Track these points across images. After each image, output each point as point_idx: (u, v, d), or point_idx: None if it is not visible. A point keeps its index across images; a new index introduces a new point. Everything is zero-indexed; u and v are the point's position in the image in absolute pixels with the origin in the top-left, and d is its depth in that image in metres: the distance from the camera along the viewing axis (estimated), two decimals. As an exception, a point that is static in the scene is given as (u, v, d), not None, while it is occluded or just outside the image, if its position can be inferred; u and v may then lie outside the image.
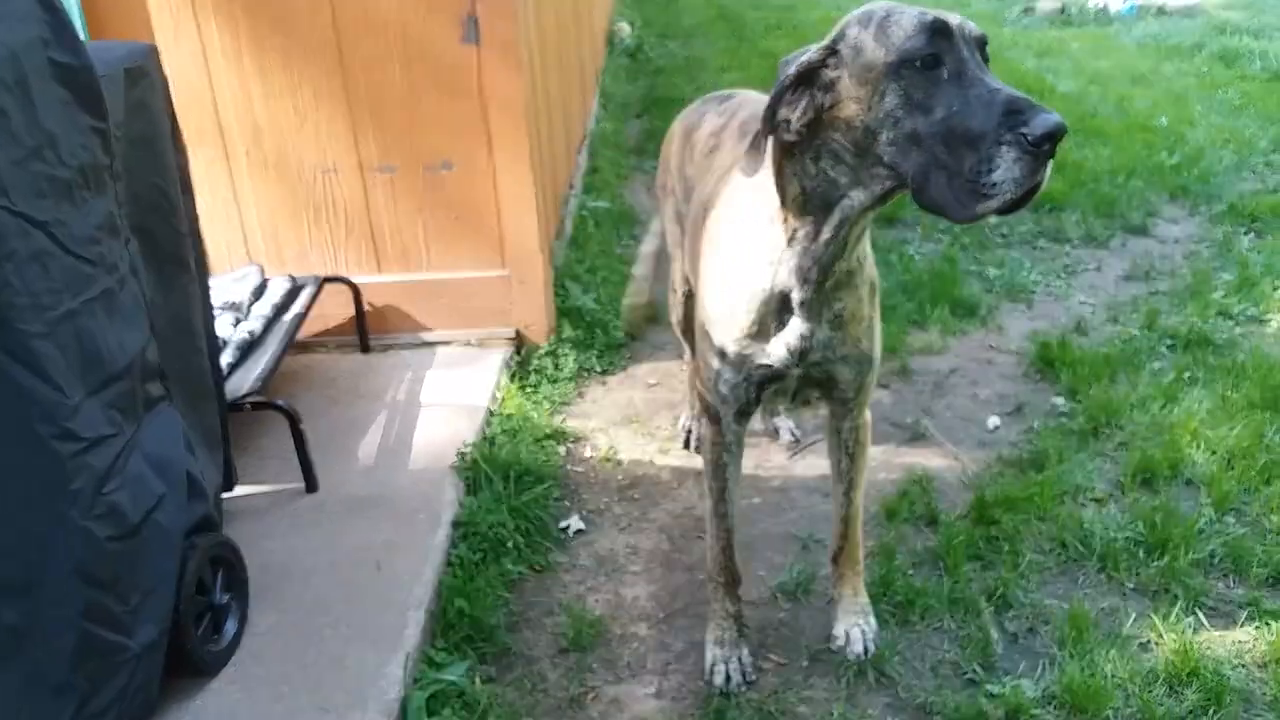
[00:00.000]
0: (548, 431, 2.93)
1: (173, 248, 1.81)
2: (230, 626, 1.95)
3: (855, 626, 2.12)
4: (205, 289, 2.02)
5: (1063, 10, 9.38)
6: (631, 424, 3.04)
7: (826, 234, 1.62)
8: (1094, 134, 5.47)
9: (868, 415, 2.03)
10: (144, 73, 1.74)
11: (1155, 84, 6.72)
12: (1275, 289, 3.61)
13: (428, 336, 3.30)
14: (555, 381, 3.22)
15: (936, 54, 1.40)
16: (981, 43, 1.46)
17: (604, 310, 3.61)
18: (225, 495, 2.25)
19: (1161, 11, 9.18)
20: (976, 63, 1.42)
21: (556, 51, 4.12)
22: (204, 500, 1.78)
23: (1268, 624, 2.10)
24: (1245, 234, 4.21)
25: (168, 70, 2.89)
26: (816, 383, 1.86)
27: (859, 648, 2.10)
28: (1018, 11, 9.69)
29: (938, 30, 1.41)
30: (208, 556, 1.81)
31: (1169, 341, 3.29)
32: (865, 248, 1.78)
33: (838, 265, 1.68)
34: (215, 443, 2.07)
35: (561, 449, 2.91)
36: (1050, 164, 1.38)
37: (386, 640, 2.01)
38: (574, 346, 3.36)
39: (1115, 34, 8.54)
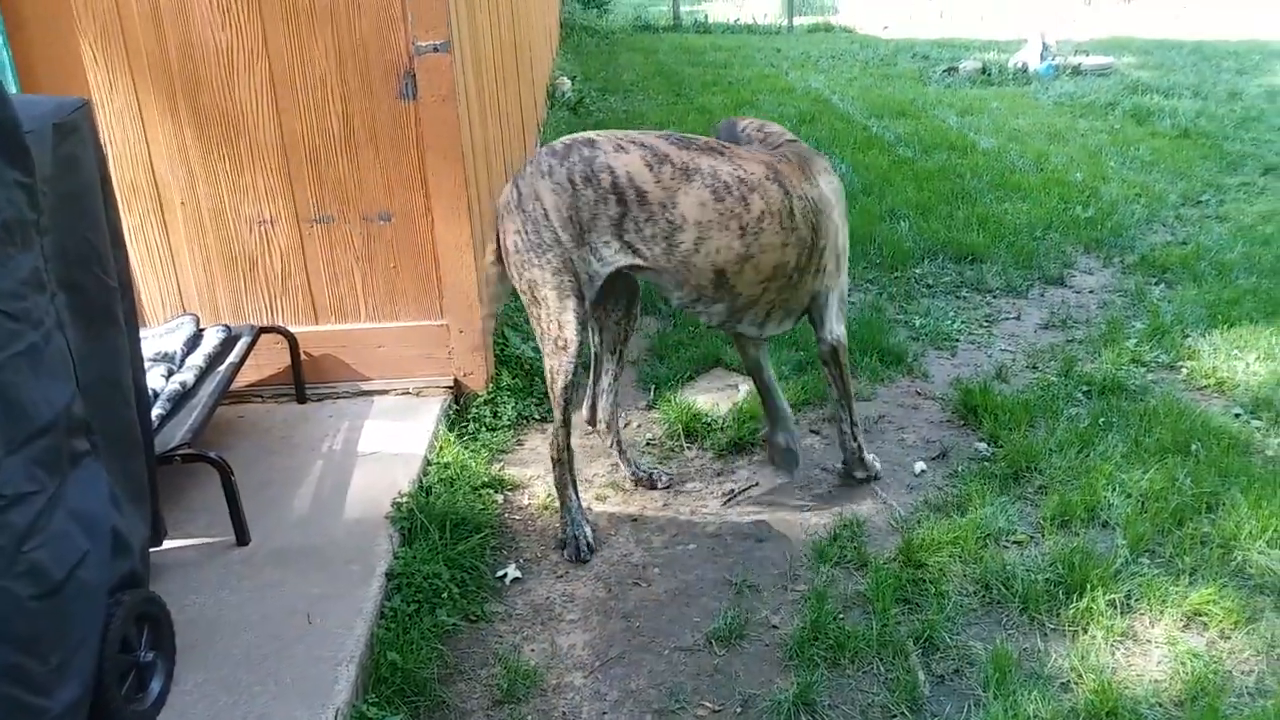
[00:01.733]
0: (485, 480, 2.94)
1: (102, 301, 1.81)
2: (156, 685, 1.91)
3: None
4: (135, 341, 2.01)
5: (984, 70, 9.78)
6: (569, 472, 3.06)
7: None
8: (1013, 189, 5.71)
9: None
10: (74, 127, 1.74)
11: (1071, 141, 7.03)
12: (1185, 337, 3.79)
13: (365, 386, 3.30)
14: (494, 430, 3.24)
15: None
16: None
17: (543, 358, 3.64)
18: (153, 549, 2.21)
19: (1077, 71, 9.62)
20: None
21: (495, 104, 4.19)
22: (129, 556, 1.76)
23: (1183, 663, 2.18)
24: (1156, 284, 4.42)
25: (102, 124, 2.90)
26: None
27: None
28: (941, 71, 10.08)
29: None
30: (133, 613, 1.78)
31: (1085, 388, 3.43)
32: None
33: None
34: (143, 496, 2.04)
35: (499, 497, 2.92)
36: None
37: (317, 695, 1.99)
38: (513, 394, 3.38)
39: (1033, 93, 8.92)
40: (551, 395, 2.65)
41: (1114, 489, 2.79)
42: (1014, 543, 2.63)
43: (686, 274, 2.50)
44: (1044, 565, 2.50)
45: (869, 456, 2.95)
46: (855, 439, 2.90)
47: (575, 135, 2.52)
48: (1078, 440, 3.04)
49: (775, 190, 2.51)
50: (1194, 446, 2.98)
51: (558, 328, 2.51)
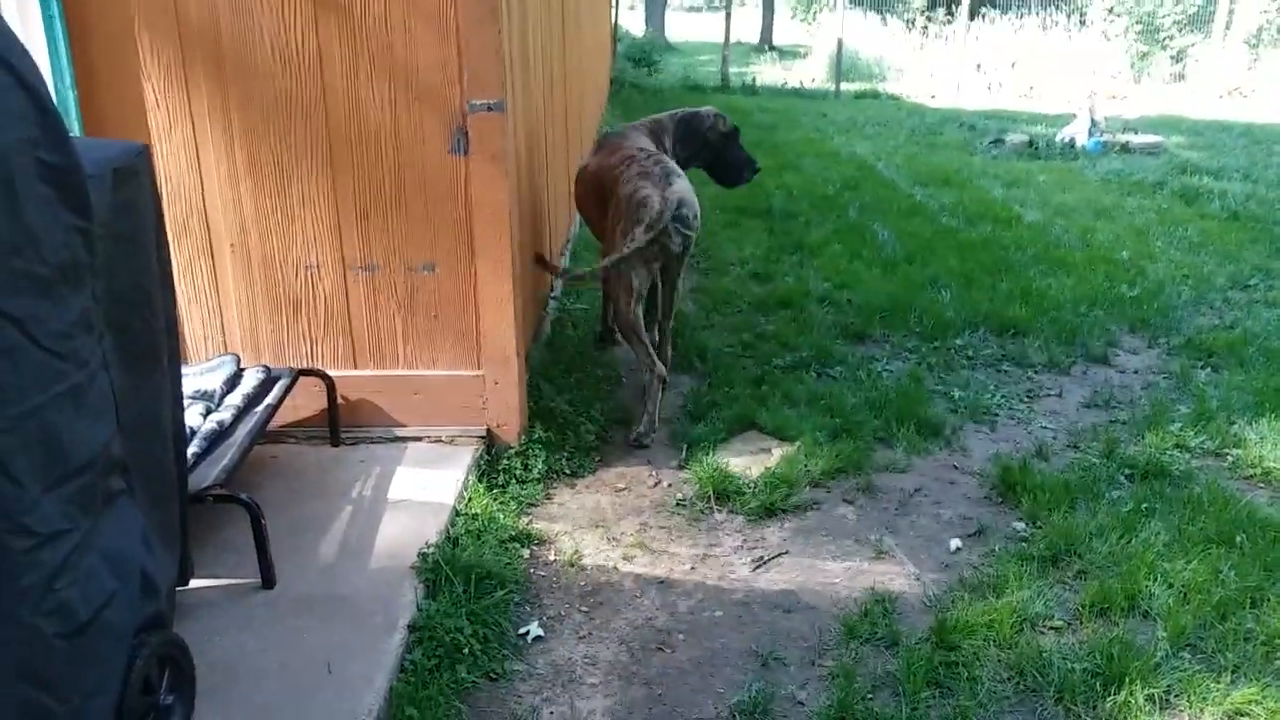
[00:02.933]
0: (513, 533, 2.92)
1: (147, 343, 1.84)
2: (173, 728, 1.90)
3: None
4: (177, 383, 2.04)
5: (1031, 143, 9.79)
6: (597, 528, 3.04)
7: None
8: (1058, 264, 5.67)
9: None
10: (133, 173, 1.79)
11: (1118, 218, 6.99)
12: (1231, 424, 3.71)
13: (399, 432, 3.31)
14: (524, 482, 3.23)
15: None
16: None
17: (576, 412, 3.65)
18: (180, 588, 2.22)
19: (1125, 149, 9.60)
20: None
21: (544, 159, 4.26)
22: (156, 597, 1.76)
23: (1222, 764, 2.10)
24: (1202, 368, 4.34)
25: (159, 164, 2.98)
26: None
27: None
28: (987, 142, 10.11)
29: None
30: (156, 655, 1.78)
31: (1128, 471, 3.35)
32: None
33: None
34: (173, 536, 2.05)
35: (525, 551, 2.90)
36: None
37: (333, 748, 1.96)
38: (544, 447, 3.38)
39: (1080, 168, 8.90)
40: None
41: (1156, 578, 2.71)
42: (1051, 629, 2.56)
43: None
44: (1081, 654, 2.43)
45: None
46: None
47: None
48: (1119, 525, 2.97)
49: None
50: (1239, 538, 2.90)
51: None
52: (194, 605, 2.41)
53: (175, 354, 2.01)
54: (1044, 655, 2.42)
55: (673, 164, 3.68)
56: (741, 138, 4.31)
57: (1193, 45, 17.87)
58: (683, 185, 3.57)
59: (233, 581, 2.53)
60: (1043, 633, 2.54)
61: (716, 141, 4.19)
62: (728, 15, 16.75)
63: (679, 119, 4.17)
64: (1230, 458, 3.50)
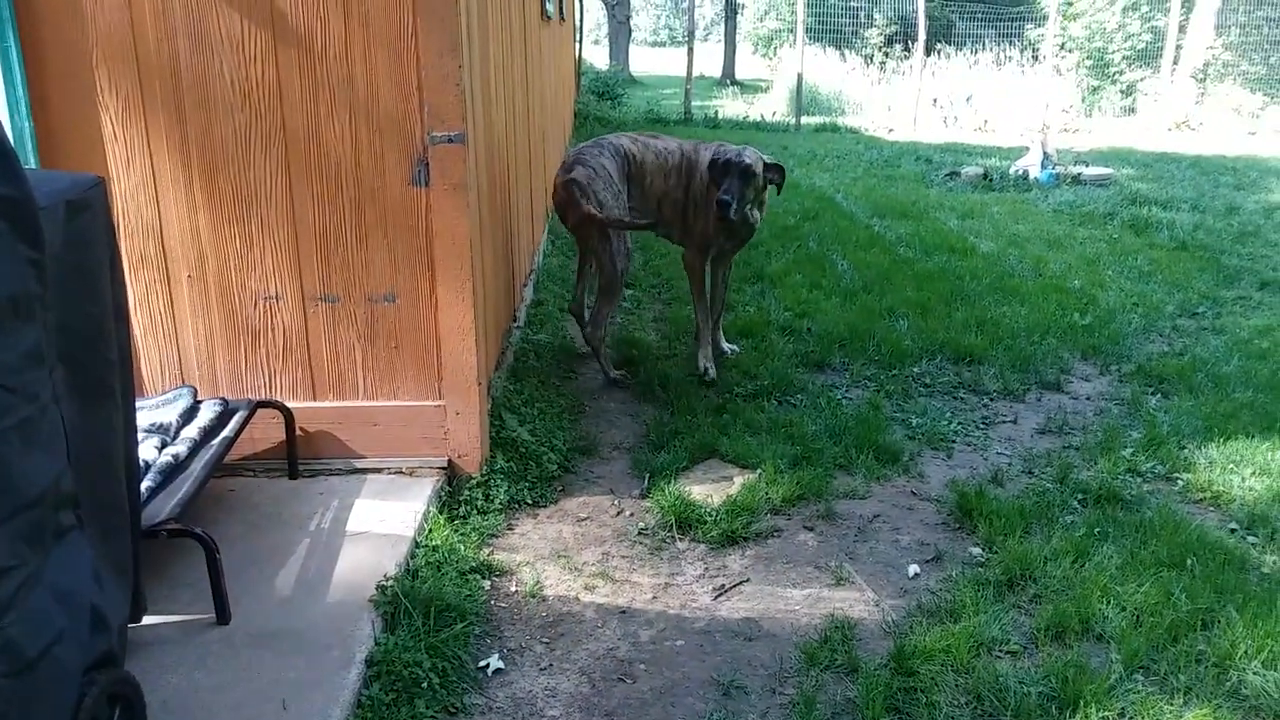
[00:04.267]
0: (474, 564, 2.91)
1: (100, 376, 1.82)
2: (123, 768, 1.86)
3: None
4: (131, 416, 2.02)
5: (985, 175, 10.00)
6: (559, 559, 3.04)
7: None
8: (1011, 293, 5.78)
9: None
10: (86, 205, 1.78)
11: (1069, 248, 7.15)
12: (1182, 449, 3.79)
13: (359, 463, 3.29)
14: (485, 513, 3.22)
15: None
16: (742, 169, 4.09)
17: (539, 442, 3.65)
18: (132, 624, 2.18)
19: (1077, 180, 9.84)
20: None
21: (505, 190, 4.28)
22: (108, 634, 1.73)
23: (1175, 785, 2.13)
24: (1153, 394, 4.43)
25: (116, 197, 2.96)
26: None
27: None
28: (943, 175, 10.31)
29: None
30: (106, 693, 1.74)
31: (1081, 496, 3.41)
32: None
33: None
34: (125, 572, 2.01)
35: (486, 583, 2.88)
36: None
37: (288, 786, 1.93)
38: (506, 478, 3.37)
39: (1033, 200, 9.10)
40: None
41: (1109, 602, 2.76)
42: (1008, 653, 2.59)
43: None
44: (1037, 678, 2.46)
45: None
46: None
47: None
48: (1073, 549, 3.02)
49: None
50: (1189, 561, 2.96)
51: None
52: (147, 642, 2.36)
53: (129, 387, 1.99)
54: (1001, 679, 2.44)
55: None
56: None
57: (1142, 80, 18.41)
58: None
59: (187, 617, 2.49)
60: (999, 657, 2.57)
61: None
62: (690, 50, 16.98)
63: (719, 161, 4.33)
64: (1180, 482, 3.58)
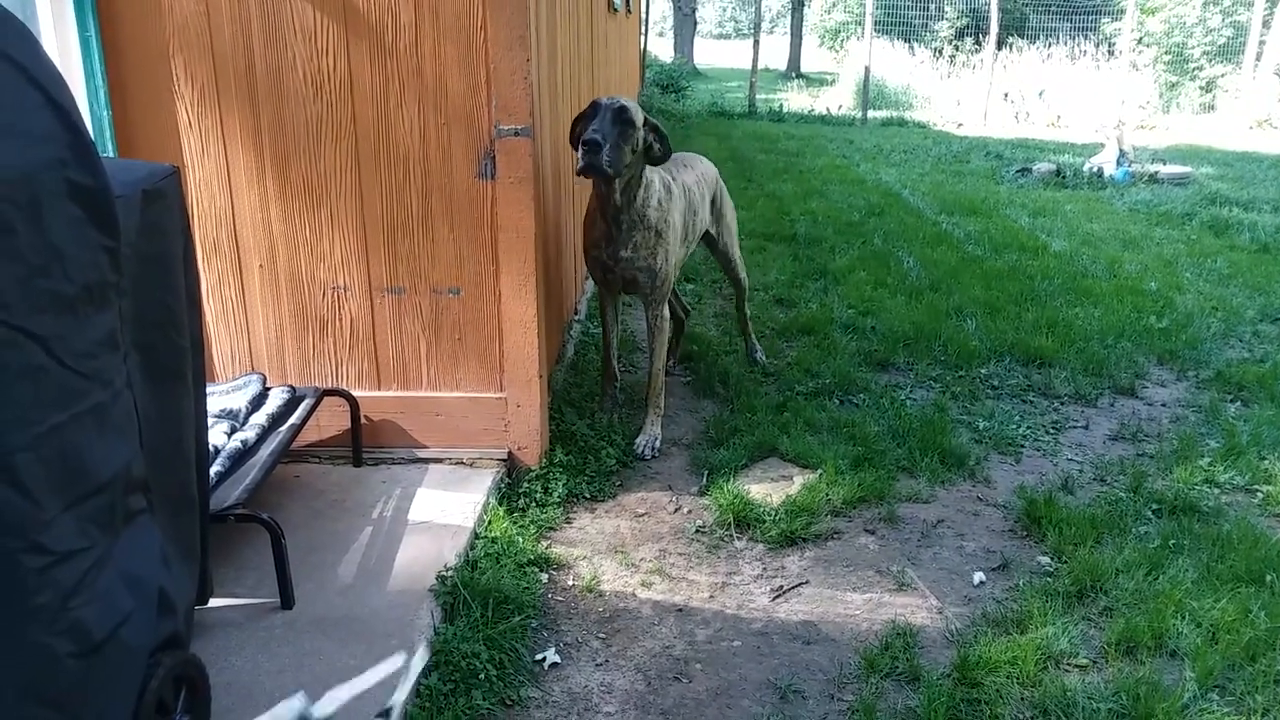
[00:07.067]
0: (532, 557, 2.91)
1: (173, 362, 1.85)
2: (187, 749, 1.89)
3: (645, 436, 3.69)
4: (202, 402, 2.05)
5: (1058, 172, 9.74)
6: (617, 554, 3.03)
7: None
8: (1084, 294, 5.61)
9: (664, 311, 3.73)
10: (162, 194, 1.81)
11: (1146, 249, 6.92)
12: (1262, 460, 3.64)
13: (421, 453, 3.32)
14: (544, 506, 3.22)
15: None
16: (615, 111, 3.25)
17: (598, 436, 3.64)
18: (198, 607, 2.22)
19: (1154, 179, 9.53)
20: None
21: (570, 183, 4.28)
22: (174, 617, 1.76)
23: (1252, 811, 2.04)
24: (1232, 402, 4.27)
25: (190, 186, 3.02)
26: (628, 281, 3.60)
27: (645, 452, 3.64)
28: (1014, 171, 10.06)
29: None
30: (171, 675, 1.78)
31: (1155, 506, 3.30)
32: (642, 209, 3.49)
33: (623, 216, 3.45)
34: (193, 555, 2.05)
35: (544, 576, 2.89)
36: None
37: (346, 772, 1.95)
38: (565, 471, 3.37)
39: (1108, 198, 8.84)
40: None
41: (1183, 617, 2.66)
42: (1076, 667, 2.51)
43: None
44: (1107, 694, 2.38)
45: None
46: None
47: None
48: (1146, 561, 2.92)
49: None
50: (1269, 577, 2.84)
51: None
52: (213, 625, 2.41)
53: (200, 373, 2.02)
54: (1068, 694, 2.37)
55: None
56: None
57: (1222, 76, 17.78)
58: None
59: (252, 601, 2.53)
60: (1067, 671, 2.50)
61: None
62: (756, 42, 16.85)
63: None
64: (1260, 494, 3.44)
